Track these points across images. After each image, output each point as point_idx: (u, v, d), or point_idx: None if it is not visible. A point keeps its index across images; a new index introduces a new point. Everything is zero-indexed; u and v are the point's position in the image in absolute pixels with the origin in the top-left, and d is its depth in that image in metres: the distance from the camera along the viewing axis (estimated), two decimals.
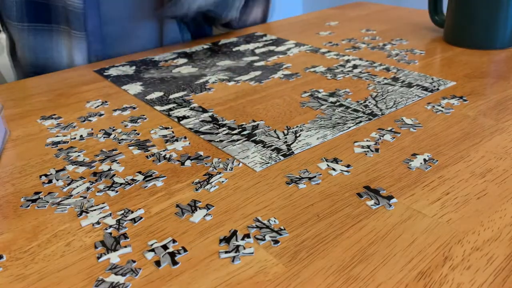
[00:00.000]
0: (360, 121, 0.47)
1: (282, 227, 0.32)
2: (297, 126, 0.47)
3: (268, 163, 0.41)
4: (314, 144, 0.43)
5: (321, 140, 0.44)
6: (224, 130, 0.47)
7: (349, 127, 0.46)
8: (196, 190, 0.37)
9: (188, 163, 0.41)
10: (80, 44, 0.74)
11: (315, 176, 0.38)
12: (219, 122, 0.49)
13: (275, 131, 0.46)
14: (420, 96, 0.53)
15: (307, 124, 0.48)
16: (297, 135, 0.45)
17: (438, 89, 0.55)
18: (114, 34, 0.78)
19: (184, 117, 0.51)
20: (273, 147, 0.43)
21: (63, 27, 0.74)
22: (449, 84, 0.56)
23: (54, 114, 0.54)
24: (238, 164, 0.40)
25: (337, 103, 0.52)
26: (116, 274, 0.29)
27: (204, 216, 0.34)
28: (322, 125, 0.47)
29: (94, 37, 0.76)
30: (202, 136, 0.46)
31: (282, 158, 0.41)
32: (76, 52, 0.75)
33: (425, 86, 0.56)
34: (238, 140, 0.45)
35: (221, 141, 0.45)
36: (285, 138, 0.45)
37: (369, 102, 0.52)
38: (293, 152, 0.42)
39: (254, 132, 0.46)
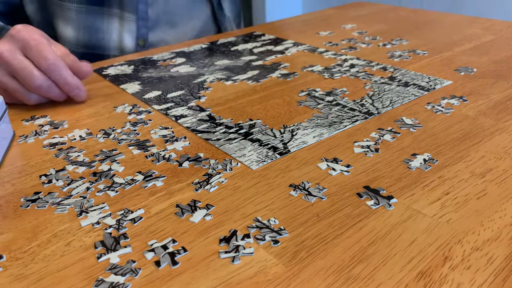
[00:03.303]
0: (357, 120, 0.48)
1: (282, 227, 0.32)
2: (293, 125, 0.47)
3: (265, 161, 0.41)
4: (310, 142, 0.43)
5: (318, 138, 0.44)
6: (221, 129, 0.47)
7: (345, 126, 0.46)
8: (196, 190, 0.37)
9: (185, 164, 0.41)
10: (130, 26, 0.79)
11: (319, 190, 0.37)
12: (216, 121, 0.49)
13: (271, 130, 0.46)
14: (416, 95, 0.53)
15: (303, 123, 0.48)
16: (294, 133, 0.45)
17: (434, 88, 0.55)
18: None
19: (181, 116, 0.51)
20: (269, 145, 0.43)
21: (115, 10, 0.79)
22: (446, 83, 0.56)
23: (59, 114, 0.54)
24: (237, 164, 0.40)
25: (334, 102, 0.52)
26: (116, 274, 0.29)
27: (204, 216, 0.34)
28: (318, 124, 0.47)
29: (143, 21, 0.80)
30: (199, 134, 0.46)
31: (278, 156, 0.41)
32: (125, 35, 0.80)
33: (421, 85, 0.56)
34: (235, 138, 0.45)
35: (218, 139, 0.45)
36: (282, 136, 0.45)
37: (366, 101, 0.52)
38: (289, 151, 0.42)
39: (251, 131, 0.46)
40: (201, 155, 0.42)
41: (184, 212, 0.34)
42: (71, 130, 0.49)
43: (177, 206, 0.35)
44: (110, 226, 0.33)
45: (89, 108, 0.55)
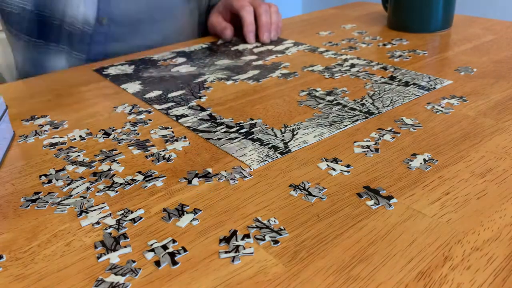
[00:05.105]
0: (357, 119, 0.48)
1: (282, 227, 0.32)
2: (294, 124, 0.47)
3: (265, 160, 0.41)
4: (311, 142, 0.43)
5: (318, 138, 0.44)
6: (222, 128, 0.47)
7: (346, 125, 0.46)
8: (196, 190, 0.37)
9: (195, 181, 0.38)
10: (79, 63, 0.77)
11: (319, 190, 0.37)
12: (217, 121, 0.49)
13: (272, 129, 0.46)
14: (416, 95, 0.53)
15: (304, 122, 0.48)
16: (294, 133, 0.45)
17: (434, 87, 0.55)
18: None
19: (182, 116, 0.51)
20: (270, 145, 0.43)
21: (62, 46, 0.77)
22: (446, 83, 0.56)
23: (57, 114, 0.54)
24: (250, 170, 0.40)
25: (334, 102, 0.52)
26: (116, 274, 0.29)
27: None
28: (319, 123, 0.47)
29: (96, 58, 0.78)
30: (200, 134, 0.46)
31: (279, 155, 0.41)
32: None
33: (421, 85, 0.56)
34: (235, 138, 0.45)
35: (219, 139, 0.45)
36: (283, 136, 0.45)
37: (366, 100, 0.52)
38: (290, 150, 0.42)
39: (252, 130, 0.46)
40: (210, 170, 0.40)
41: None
42: (71, 130, 0.49)
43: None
44: (110, 226, 0.33)
45: (89, 108, 0.55)
